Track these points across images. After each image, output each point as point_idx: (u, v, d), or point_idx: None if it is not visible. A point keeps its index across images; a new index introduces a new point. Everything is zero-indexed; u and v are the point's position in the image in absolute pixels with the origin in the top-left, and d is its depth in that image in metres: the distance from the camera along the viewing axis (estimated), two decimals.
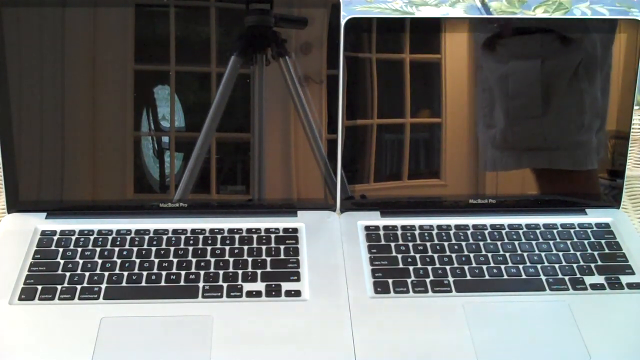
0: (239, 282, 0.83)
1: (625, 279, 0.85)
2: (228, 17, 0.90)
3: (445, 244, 0.89)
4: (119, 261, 0.85)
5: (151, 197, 0.93)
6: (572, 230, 0.92)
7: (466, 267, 0.86)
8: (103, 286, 0.82)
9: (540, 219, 0.93)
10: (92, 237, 0.88)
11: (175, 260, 0.85)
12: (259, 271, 0.84)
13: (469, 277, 0.84)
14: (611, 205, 0.95)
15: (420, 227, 0.91)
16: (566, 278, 0.85)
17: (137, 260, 0.85)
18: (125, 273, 0.83)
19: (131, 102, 0.90)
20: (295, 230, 0.91)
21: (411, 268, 0.85)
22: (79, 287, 0.81)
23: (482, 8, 1.46)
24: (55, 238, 0.88)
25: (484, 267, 0.86)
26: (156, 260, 0.85)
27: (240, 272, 0.84)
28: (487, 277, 0.85)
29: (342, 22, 0.89)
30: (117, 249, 0.86)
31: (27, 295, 0.80)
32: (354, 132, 0.93)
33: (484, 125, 0.86)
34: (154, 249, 0.87)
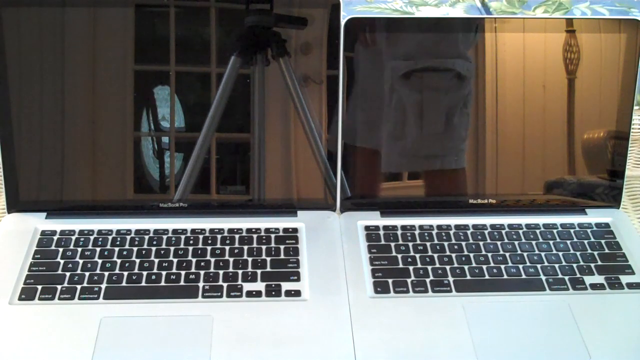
0: (239, 282, 0.83)
1: (625, 279, 0.85)
2: (228, 17, 0.91)
3: (445, 244, 0.89)
4: (119, 261, 0.85)
5: (151, 197, 0.93)
6: (572, 230, 0.92)
7: (466, 267, 0.86)
8: (103, 286, 0.82)
9: (540, 219, 0.93)
10: (92, 237, 0.88)
11: (175, 260, 0.85)
12: (259, 271, 0.84)
13: (469, 277, 0.85)
14: (611, 205, 0.95)
15: (420, 227, 0.91)
16: (566, 278, 0.85)
17: (137, 260, 0.85)
18: (125, 273, 0.83)
19: (131, 102, 0.90)
20: (295, 230, 0.91)
21: (411, 268, 0.85)
22: (79, 287, 0.81)
23: (482, 8, 1.46)
24: (55, 238, 0.88)
25: (484, 267, 0.86)
26: (156, 260, 0.85)
27: (240, 272, 0.84)
28: (487, 277, 0.85)
29: (342, 22, 0.89)
30: (117, 249, 0.86)
31: (27, 295, 0.80)
32: (354, 132, 0.93)
33: (393, 137, 0.93)
34: (154, 249, 0.87)
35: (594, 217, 0.94)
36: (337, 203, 0.94)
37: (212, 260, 0.85)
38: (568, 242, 0.90)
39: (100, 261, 0.85)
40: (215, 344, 0.75)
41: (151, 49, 0.90)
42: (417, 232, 0.91)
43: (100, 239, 0.88)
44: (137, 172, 0.92)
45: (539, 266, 0.86)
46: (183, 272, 0.84)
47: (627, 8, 1.45)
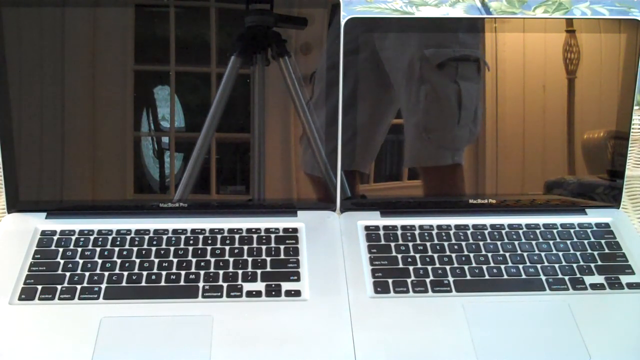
0: (239, 282, 0.83)
1: (625, 279, 0.85)
2: (228, 17, 0.90)
3: (445, 244, 0.89)
4: (119, 261, 0.85)
5: (151, 197, 0.93)
6: (572, 230, 0.92)
7: (466, 267, 0.86)
8: (103, 286, 0.82)
9: (540, 219, 0.93)
10: (92, 237, 0.88)
11: (175, 260, 0.85)
12: (259, 271, 0.84)
13: (469, 277, 0.85)
14: (611, 205, 0.95)
15: (420, 227, 0.91)
16: (566, 278, 0.85)
17: (137, 260, 0.85)
18: (125, 273, 0.83)
19: (131, 102, 0.90)
20: (295, 230, 0.91)
21: (411, 268, 0.85)
22: (79, 287, 0.81)
23: (482, 8, 1.46)
24: (55, 238, 0.88)
25: (484, 267, 0.86)
26: (156, 260, 0.85)
27: (240, 272, 0.84)
28: (487, 277, 0.85)
29: (342, 22, 0.89)
30: (117, 249, 0.86)
31: (27, 295, 0.80)
32: (354, 132, 0.93)
33: (423, 129, 0.92)
34: (154, 249, 0.87)
35: (594, 217, 0.94)
36: (337, 203, 0.94)
37: (212, 260, 0.85)
38: (568, 242, 0.90)
39: (100, 261, 0.85)
40: (215, 344, 0.75)
41: (151, 49, 0.90)
42: (417, 232, 0.91)
43: (100, 239, 0.88)
44: (137, 172, 0.92)
45: (539, 266, 0.86)
46: (183, 272, 0.84)
47: (627, 8, 1.45)
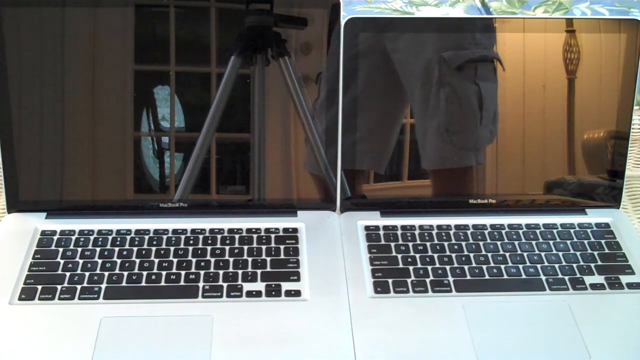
0: (239, 282, 0.83)
1: (625, 279, 0.85)
2: (228, 17, 0.90)
3: (445, 244, 0.89)
4: (119, 261, 0.85)
5: (151, 197, 0.93)
6: (572, 230, 0.92)
7: (466, 267, 0.86)
8: (103, 286, 0.82)
9: (540, 219, 0.93)
10: (92, 237, 0.88)
11: (175, 260, 0.85)
12: (259, 271, 0.84)
13: (469, 277, 0.85)
14: (611, 205, 0.95)
15: (420, 227, 0.91)
16: (566, 278, 0.85)
17: (137, 260, 0.85)
18: (125, 273, 0.83)
19: (131, 102, 0.90)
20: (295, 230, 0.91)
21: (411, 268, 0.85)
22: (79, 287, 0.81)
23: (482, 8, 1.46)
24: (55, 238, 0.88)
25: (484, 267, 0.86)
26: (156, 260, 0.85)
27: (240, 272, 0.84)
28: (487, 277, 0.85)
29: (342, 22, 0.89)
30: (117, 249, 0.86)
31: (27, 295, 0.80)
32: (354, 132, 0.93)
33: (445, 130, 0.92)
34: (154, 249, 0.87)
35: (594, 217, 0.94)
36: (337, 203, 0.94)
37: (212, 260, 0.85)
38: (568, 242, 0.90)
39: (100, 261, 0.85)
40: (215, 344, 0.75)
41: (151, 49, 0.90)
42: (417, 232, 0.91)
43: (100, 239, 0.88)
44: (137, 172, 0.92)
45: (539, 266, 0.86)
46: (183, 272, 0.84)
47: (627, 8, 1.45)
